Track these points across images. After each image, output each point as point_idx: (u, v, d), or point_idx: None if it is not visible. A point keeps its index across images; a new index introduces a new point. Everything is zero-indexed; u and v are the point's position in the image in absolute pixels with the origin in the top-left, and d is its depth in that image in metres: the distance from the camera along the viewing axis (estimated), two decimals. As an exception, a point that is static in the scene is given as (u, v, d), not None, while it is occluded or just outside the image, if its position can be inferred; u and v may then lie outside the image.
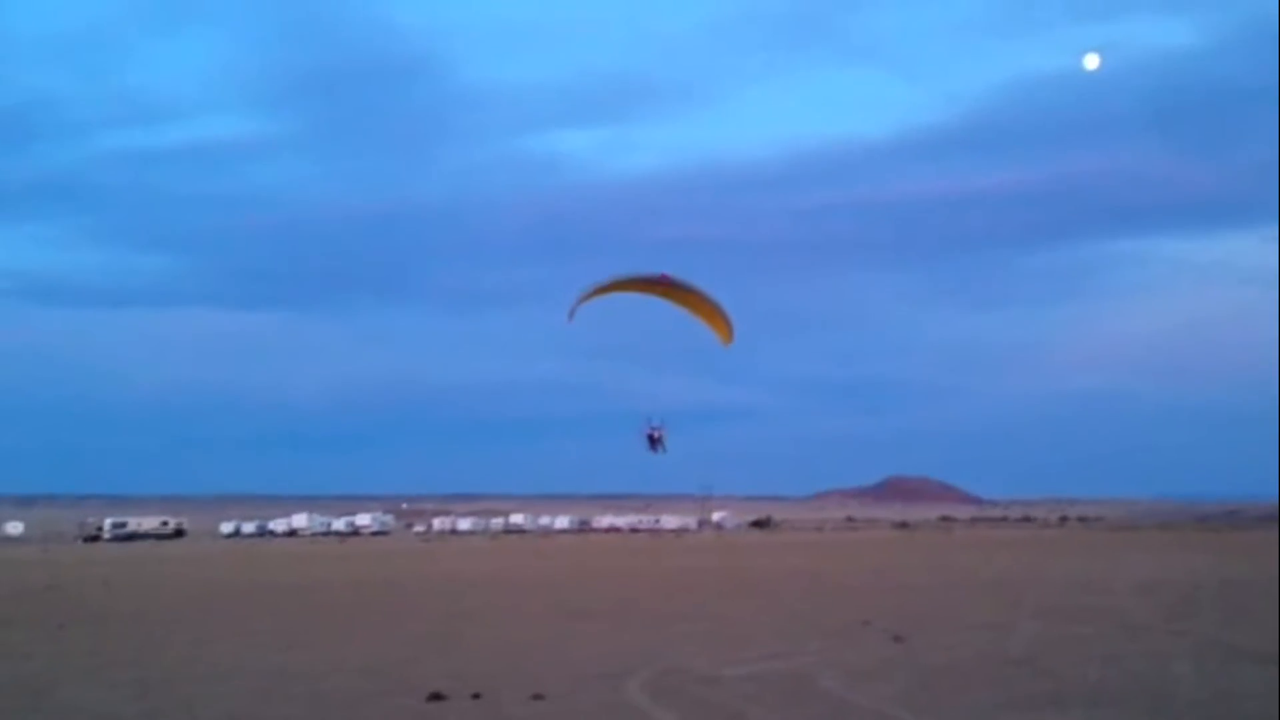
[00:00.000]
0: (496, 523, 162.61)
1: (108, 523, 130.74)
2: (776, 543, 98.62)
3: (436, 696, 15.33)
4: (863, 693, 15.28)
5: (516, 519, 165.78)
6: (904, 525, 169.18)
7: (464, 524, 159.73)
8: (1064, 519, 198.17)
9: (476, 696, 15.31)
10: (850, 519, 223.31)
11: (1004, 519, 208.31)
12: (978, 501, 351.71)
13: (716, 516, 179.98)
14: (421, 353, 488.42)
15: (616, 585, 40.20)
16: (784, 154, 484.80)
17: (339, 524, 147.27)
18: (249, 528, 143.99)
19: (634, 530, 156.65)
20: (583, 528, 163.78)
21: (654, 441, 20.62)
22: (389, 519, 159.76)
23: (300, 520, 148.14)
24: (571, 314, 19.52)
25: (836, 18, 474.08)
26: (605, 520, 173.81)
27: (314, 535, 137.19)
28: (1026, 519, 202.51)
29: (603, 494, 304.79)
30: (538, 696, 15.21)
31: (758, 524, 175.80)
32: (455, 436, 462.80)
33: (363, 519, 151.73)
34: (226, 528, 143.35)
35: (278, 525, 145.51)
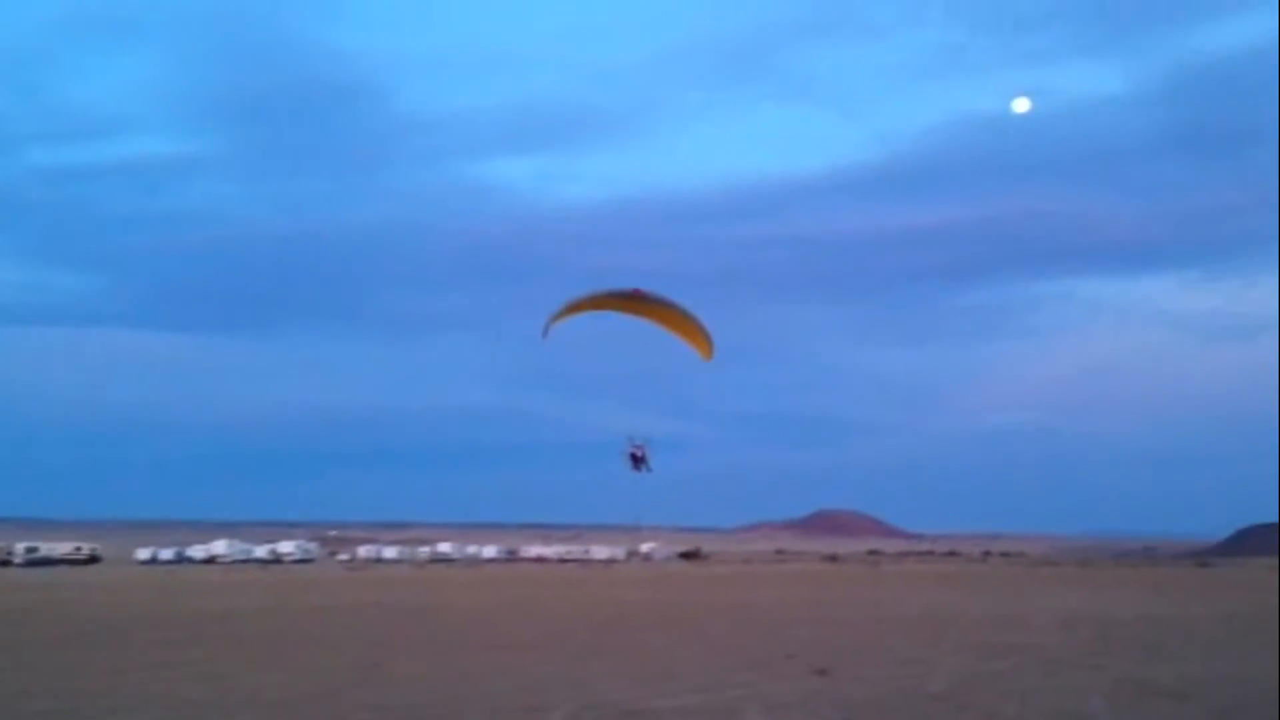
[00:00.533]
0: (423, 551, 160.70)
1: (19, 547, 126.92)
2: (705, 574, 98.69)
3: (355, 730, 15.09)
4: (785, 727, 15.33)
5: (444, 548, 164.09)
6: (833, 558, 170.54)
7: (390, 552, 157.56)
8: (988, 554, 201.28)
9: (396, 730, 15.09)
10: (779, 551, 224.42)
11: (930, 553, 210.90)
12: (905, 535, 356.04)
13: (646, 547, 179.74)
14: (351, 378, 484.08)
15: (543, 616, 39.94)
16: (722, 187, 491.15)
17: (260, 551, 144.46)
18: (166, 554, 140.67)
19: (563, 560, 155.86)
20: (511, 557, 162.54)
21: (638, 461, 19.87)
22: (313, 547, 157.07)
23: (220, 547, 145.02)
24: (545, 332, 19.15)
25: (776, 56, 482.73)
26: (534, 550, 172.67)
27: (234, 563, 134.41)
28: (952, 554, 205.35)
29: (532, 523, 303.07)
30: (459, 730, 15.04)
31: (687, 555, 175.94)
32: (384, 463, 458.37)
33: (285, 546, 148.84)
34: (143, 554, 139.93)
35: (196, 552, 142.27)
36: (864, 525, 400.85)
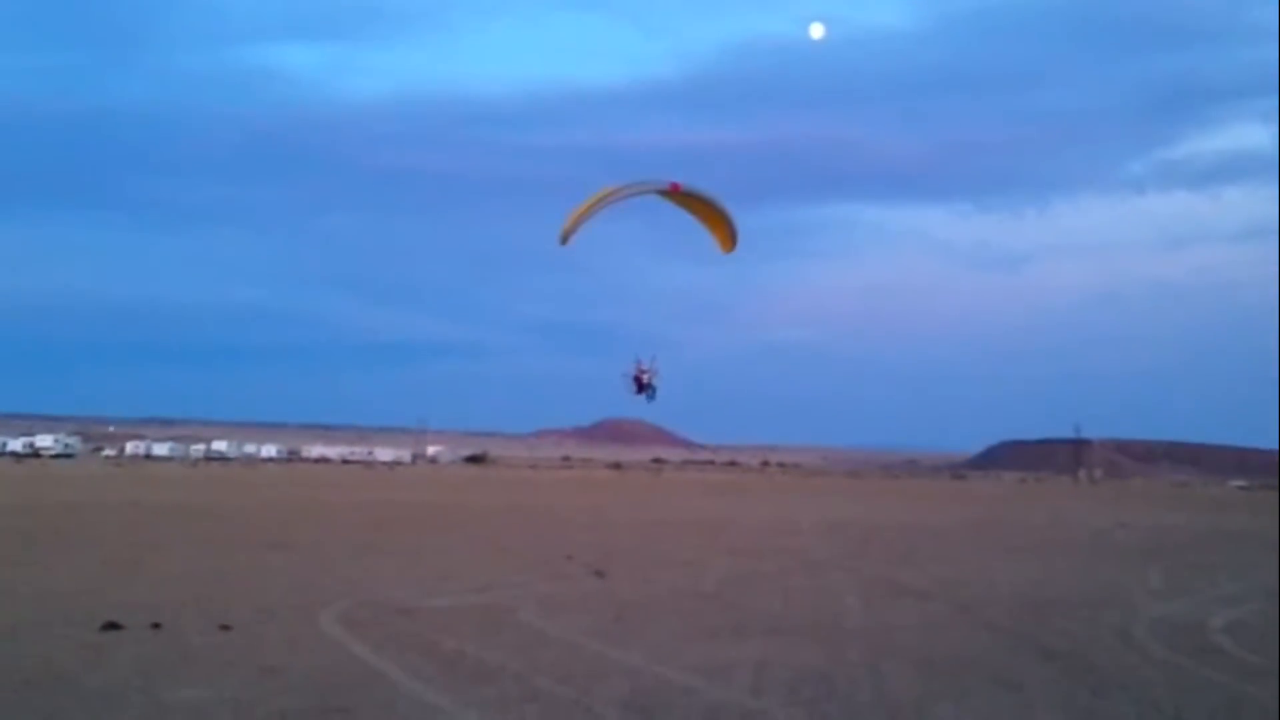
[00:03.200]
0: (197, 449, 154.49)
1: None
2: (490, 478, 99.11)
3: (112, 626, 14.41)
4: (558, 624, 15.62)
5: (219, 446, 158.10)
6: (617, 466, 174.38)
7: (160, 449, 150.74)
8: (766, 464, 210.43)
9: (156, 626, 14.51)
10: (566, 458, 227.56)
11: (712, 463, 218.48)
12: (689, 445, 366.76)
13: (432, 450, 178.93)
14: (113, 267, 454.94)
15: (321, 517, 39.23)
16: (517, 92, 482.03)
17: (15, 444, 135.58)
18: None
19: (346, 461, 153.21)
20: (291, 457, 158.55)
21: (641, 386, 18.25)
22: (74, 441, 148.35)
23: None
24: (565, 236, 17.03)
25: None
26: (316, 450, 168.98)
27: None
28: (733, 463, 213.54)
29: (315, 423, 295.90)
30: (224, 627, 14.60)
31: (473, 459, 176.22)
32: (153, 358, 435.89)
33: (44, 440, 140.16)
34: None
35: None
36: (649, 434, 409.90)
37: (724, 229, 18.67)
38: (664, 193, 17.69)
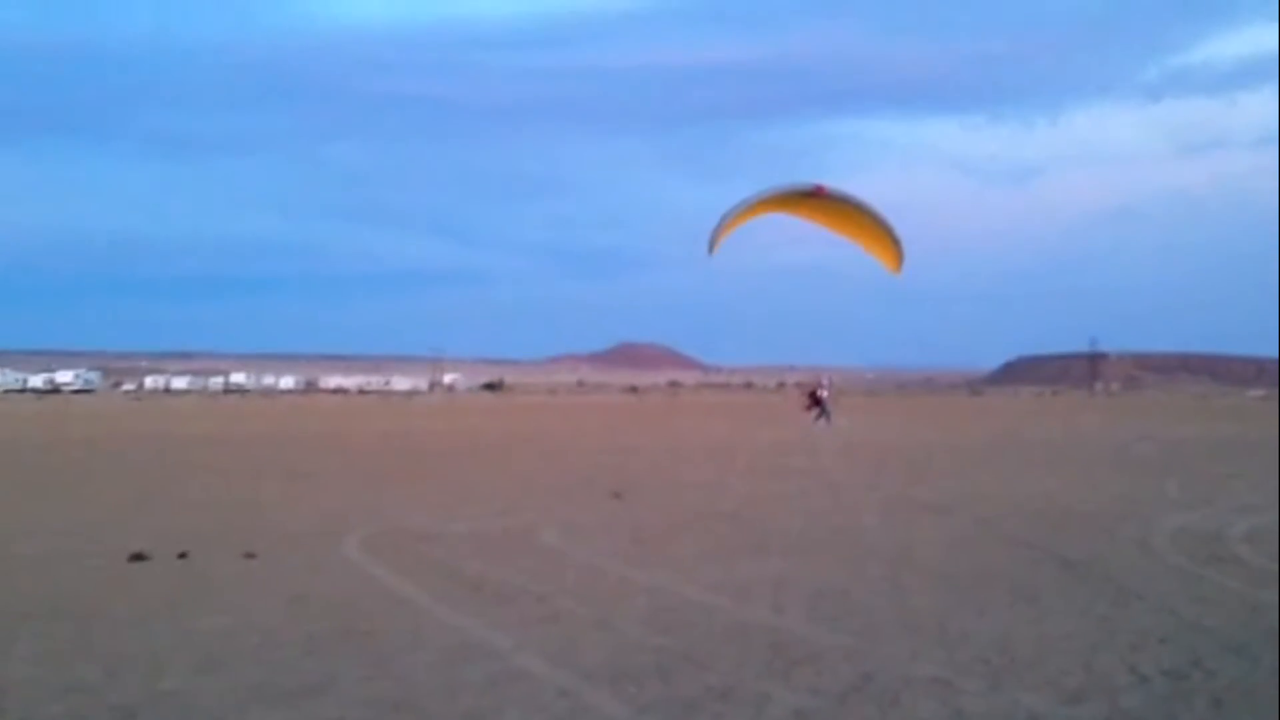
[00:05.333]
0: (215, 382, 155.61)
1: None
2: (507, 405, 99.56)
3: (139, 557, 14.59)
4: (579, 546, 15.75)
5: (237, 378, 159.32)
6: (633, 390, 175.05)
7: (179, 383, 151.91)
8: (781, 385, 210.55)
9: (183, 556, 14.70)
10: (581, 383, 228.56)
11: (728, 385, 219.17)
12: (704, 368, 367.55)
13: (448, 379, 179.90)
14: (125, 200, 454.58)
15: (340, 447, 39.54)
16: (519, 13, 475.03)
17: (36, 380, 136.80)
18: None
19: (363, 391, 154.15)
20: (309, 388, 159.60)
21: (818, 402, 18.22)
22: (95, 376, 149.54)
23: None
24: (713, 246, 16.53)
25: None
26: (333, 381, 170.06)
27: (7, 392, 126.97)
28: (748, 385, 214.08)
29: (331, 354, 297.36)
30: (249, 555, 14.78)
31: (490, 386, 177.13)
32: (167, 291, 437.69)
33: (64, 376, 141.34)
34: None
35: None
36: (665, 358, 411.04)
37: (886, 243, 17.39)
38: (807, 195, 16.68)
